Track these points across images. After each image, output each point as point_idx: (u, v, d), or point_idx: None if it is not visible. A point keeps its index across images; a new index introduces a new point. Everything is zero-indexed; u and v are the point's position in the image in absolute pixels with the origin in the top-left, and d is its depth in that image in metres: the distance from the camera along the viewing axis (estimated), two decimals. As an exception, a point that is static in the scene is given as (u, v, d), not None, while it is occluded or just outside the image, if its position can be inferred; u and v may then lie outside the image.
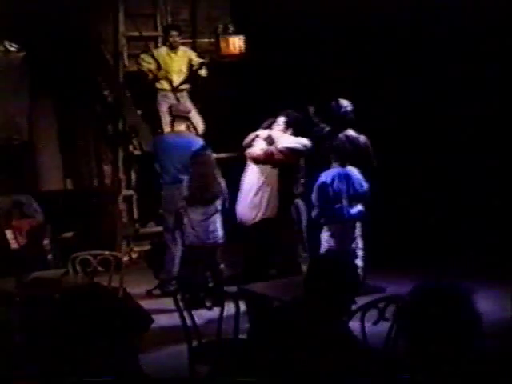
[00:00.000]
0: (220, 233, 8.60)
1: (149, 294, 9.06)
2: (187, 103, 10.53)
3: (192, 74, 10.70)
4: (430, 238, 9.71)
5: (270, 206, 8.01)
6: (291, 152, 8.13)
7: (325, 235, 8.13)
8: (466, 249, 9.36)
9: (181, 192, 8.78)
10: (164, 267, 9.29)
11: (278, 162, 8.08)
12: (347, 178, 8.07)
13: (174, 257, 9.20)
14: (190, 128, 9.84)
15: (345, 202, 8.04)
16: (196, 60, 10.73)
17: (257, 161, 8.13)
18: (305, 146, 8.17)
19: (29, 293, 6.62)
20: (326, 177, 8.09)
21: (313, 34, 10.19)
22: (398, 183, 10.05)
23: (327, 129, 8.47)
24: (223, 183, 8.61)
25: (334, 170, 8.11)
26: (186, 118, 9.62)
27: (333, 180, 8.04)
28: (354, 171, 8.12)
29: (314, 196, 8.09)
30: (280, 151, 8.08)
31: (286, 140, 8.16)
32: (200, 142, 9.43)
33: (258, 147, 8.15)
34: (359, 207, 8.12)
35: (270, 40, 10.42)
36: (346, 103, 8.47)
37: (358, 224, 8.16)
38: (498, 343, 3.10)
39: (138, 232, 10.89)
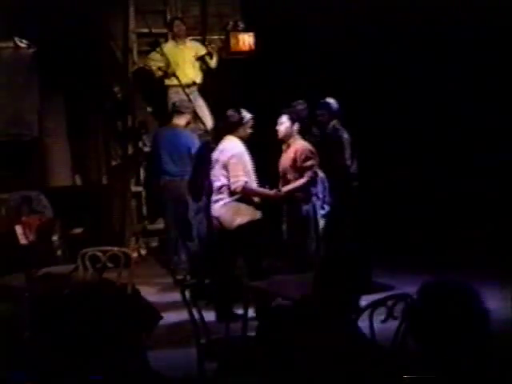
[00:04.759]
0: None
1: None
2: (198, 99, 10.55)
3: (202, 67, 10.72)
4: (439, 236, 9.71)
5: (249, 209, 7.78)
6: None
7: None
8: (473, 248, 9.38)
9: (184, 185, 8.88)
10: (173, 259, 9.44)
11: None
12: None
13: (184, 247, 9.31)
14: (191, 124, 9.82)
15: (328, 199, 8.02)
16: (203, 51, 10.76)
17: None
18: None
19: (38, 289, 6.63)
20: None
21: (322, 33, 10.19)
22: (407, 183, 10.06)
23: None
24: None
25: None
26: (185, 113, 9.60)
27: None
28: None
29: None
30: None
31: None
32: (195, 137, 9.50)
33: None
34: None
35: (279, 37, 10.41)
36: (332, 100, 8.80)
37: None
38: (498, 343, 3.09)
39: (146, 228, 10.91)
